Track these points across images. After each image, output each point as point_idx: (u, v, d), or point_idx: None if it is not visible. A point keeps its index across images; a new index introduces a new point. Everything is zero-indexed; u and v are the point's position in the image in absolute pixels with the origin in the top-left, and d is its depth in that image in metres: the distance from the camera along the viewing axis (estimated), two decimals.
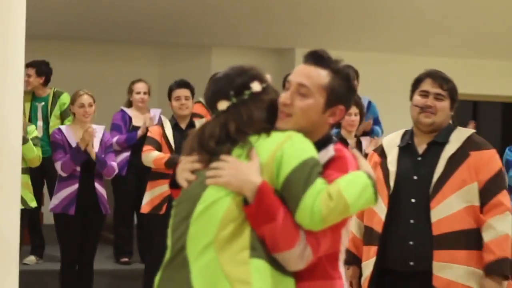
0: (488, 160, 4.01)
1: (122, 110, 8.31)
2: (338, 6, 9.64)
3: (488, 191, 3.97)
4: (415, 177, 4.08)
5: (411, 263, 4.02)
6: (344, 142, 7.55)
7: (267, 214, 2.65)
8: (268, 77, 2.94)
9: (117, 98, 9.02)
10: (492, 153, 4.05)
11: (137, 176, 7.98)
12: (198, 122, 6.90)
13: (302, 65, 2.87)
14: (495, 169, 4.00)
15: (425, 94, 4.09)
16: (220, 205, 2.75)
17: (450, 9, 9.86)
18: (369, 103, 9.12)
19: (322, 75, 2.80)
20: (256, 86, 2.88)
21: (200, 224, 2.77)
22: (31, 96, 8.44)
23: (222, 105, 2.88)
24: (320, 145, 2.81)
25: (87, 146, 6.82)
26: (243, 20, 9.95)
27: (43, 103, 8.42)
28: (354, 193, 2.71)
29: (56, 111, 8.36)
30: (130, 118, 8.22)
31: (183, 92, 6.99)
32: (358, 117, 7.60)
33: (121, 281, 8.09)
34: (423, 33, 10.32)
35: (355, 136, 7.64)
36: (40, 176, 8.09)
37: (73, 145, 6.89)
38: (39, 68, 8.40)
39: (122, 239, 8.44)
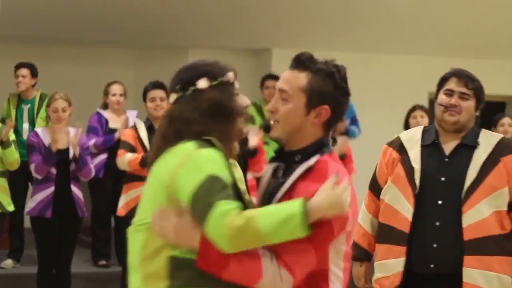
0: None
1: (98, 113, 8.28)
2: (314, 6, 9.65)
3: None
4: (442, 179, 4.02)
5: (431, 266, 3.97)
6: None
7: (218, 263, 2.60)
8: (230, 75, 2.83)
9: (93, 100, 8.98)
10: None
11: (114, 178, 7.95)
12: None
13: (286, 71, 2.84)
14: None
15: (450, 93, 4.03)
16: (141, 231, 2.73)
17: (423, 7, 9.89)
18: None
19: (300, 78, 2.77)
20: (202, 83, 2.79)
21: (131, 248, 2.78)
22: (17, 98, 8.40)
23: (172, 97, 2.83)
24: (309, 153, 2.77)
25: (71, 145, 6.82)
26: (219, 21, 9.94)
27: (29, 105, 8.38)
28: (270, 223, 2.56)
29: (42, 113, 8.29)
30: (106, 120, 8.19)
31: (158, 93, 6.96)
32: None
33: (99, 284, 8.06)
34: (397, 32, 10.35)
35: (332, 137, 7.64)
36: (25, 180, 8.04)
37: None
38: (33, 69, 8.34)
39: (100, 242, 8.42)
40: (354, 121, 9.05)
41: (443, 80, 4.11)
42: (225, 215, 2.55)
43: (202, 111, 2.75)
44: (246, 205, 2.78)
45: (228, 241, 2.56)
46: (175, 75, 2.86)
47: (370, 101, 10.32)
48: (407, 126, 8.05)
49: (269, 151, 8.76)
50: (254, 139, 7.32)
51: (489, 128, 8.64)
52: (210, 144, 2.72)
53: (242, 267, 2.59)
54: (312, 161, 2.73)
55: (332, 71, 2.79)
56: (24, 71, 8.29)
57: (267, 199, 2.81)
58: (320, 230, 2.63)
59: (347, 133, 8.58)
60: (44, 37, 10.28)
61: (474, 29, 10.41)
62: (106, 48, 11.09)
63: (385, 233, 4.13)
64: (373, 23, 10.11)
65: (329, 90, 2.77)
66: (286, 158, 2.81)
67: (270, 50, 10.51)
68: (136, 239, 2.74)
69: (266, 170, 2.93)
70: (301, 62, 2.79)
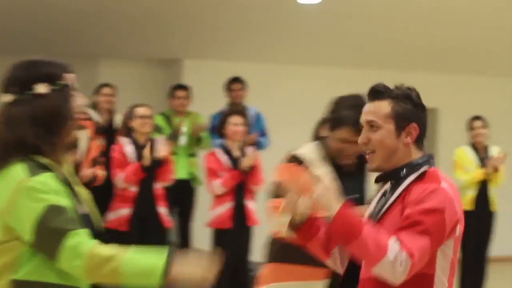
0: None
1: None
2: (225, 16, 9.68)
3: None
4: None
5: None
6: (228, 152, 7.60)
7: (354, 228, 2.75)
8: (69, 76, 2.72)
9: None
10: None
11: None
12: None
13: (366, 105, 3.04)
14: None
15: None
16: None
17: (339, 19, 10.00)
18: (257, 115, 9.19)
19: (383, 106, 2.99)
20: (41, 88, 2.64)
21: None
22: None
23: (6, 98, 2.66)
24: (414, 164, 2.96)
25: None
26: (130, 31, 9.90)
27: None
28: (132, 267, 2.48)
29: None
30: None
31: None
32: (242, 127, 7.65)
33: None
34: (311, 43, 10.41)
35: (240, 147, 7.68)
36: None
37: None
38: None
39: None
40: (262, 133, 9.10)
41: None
42: (78, 247, 2.47)
43: (38, 120, 2.61)
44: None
45: (84, 272, 2.49)
46: (11, 72, 2.70)
47: (280, 112, 10.39)
48: (317, 139, 8.11)
49: (178, 161, 8.74)
50: (162, 149, 7.31)
51: None
52: (41, 166, 2.59)
53: (374, 238, 2.72)
54: (424, 168, 2.94)
55: (408, 93, 3.02)
56: None
57: (377, 211, 2.98)
58: (436, 226, 2.78)
59: (256, 144, 8.62)
60: None
61: (398, 41, 10.46)
62: (15, 57, 10.92)
63: None
64: (287, 35, 10.17)
65: (411, 110, 3.00)
66: (391, 176, 2.99)
67: (182, 61, 10.50)
68: None
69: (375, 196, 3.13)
70: (379, 92, 3.01)
